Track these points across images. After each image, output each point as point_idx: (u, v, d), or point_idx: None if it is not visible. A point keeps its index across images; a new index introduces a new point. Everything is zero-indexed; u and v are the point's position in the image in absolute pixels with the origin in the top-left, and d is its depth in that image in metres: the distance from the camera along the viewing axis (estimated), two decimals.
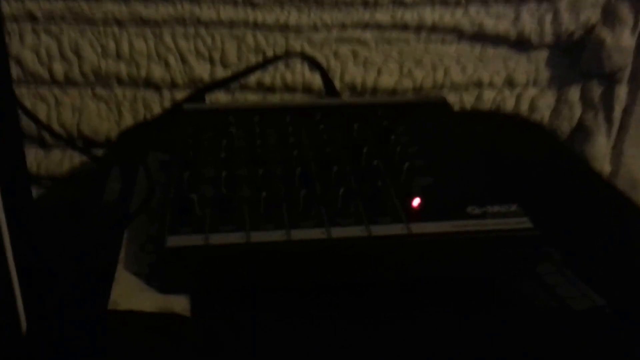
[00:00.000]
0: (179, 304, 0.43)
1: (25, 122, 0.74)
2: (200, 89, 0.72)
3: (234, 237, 0.44)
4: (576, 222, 0.55)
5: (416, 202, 0.48)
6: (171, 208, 0.47)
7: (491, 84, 0.78)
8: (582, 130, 0.78)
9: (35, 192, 0.80)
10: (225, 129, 0.56)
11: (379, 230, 0.45)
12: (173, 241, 0.44)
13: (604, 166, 0.79)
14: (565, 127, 0.79)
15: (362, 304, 0.45)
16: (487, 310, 0.45)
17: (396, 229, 0.45)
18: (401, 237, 0.45)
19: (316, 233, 0.45)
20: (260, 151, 0.53)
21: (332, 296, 0.45)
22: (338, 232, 0.45)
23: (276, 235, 0.44)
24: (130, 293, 0.44)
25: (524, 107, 0.79)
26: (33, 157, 0.79)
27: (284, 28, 0.74)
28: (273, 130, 0.57)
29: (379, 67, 0.77)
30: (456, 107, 0.78)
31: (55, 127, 0.78)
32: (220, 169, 0.50)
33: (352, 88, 0.77)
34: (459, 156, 0.55)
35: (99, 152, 0.77)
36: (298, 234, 0.45)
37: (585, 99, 0.78)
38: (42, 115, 0.77)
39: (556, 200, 0.57)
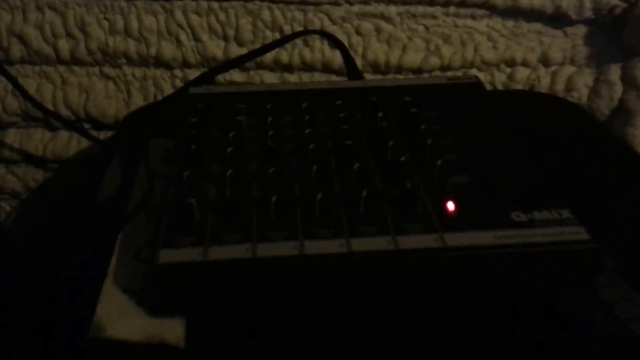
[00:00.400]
0: (172, 331, 0.35)
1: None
2: (212, 69, 0.63)
3: (238, 251, 0.35)
4: (628, 220, 0.45)
5: (451, 206, 0.38)
6: (167, 214, 0.38)
7: (525, 62, 0.69)
8: (622, 112, 0.68)
9: (41, 176, 0.72)
10: (234, 117, 0.47)
11: (408, 242, 0.36)
12: (167, 256, 0.35)
13: None
14: (604, 108, 0.69)
15: (384, 323, 0.36)
16: (532, 335, 0.36)
17: (428, 240, 0.36)
18: (434, 252, 0.35)
19: (334, 246, 0.36)
20: (272, 144, 0.43)
21: (352, 322, 0.36)
22: (359, 244, 0.36)
23: (287, 249, 0.35)
24: (116, 316, 0.35)
25: (560, 87, 0.69)
26: (39, 139, 0.71)
27: (303, 2, 0.65)
28: (287, 117, 0.48)
29: (404, 44, 0.68)
30: (487, 87, 0.68)
31: (62, 108, 0.69)
32: (226, 165, 0.41)
33: (375, 66, 0.68)
34: (496, 148, 0.45)
35: (106, 135, 0.68)
36: (312, 247, 0.35)
37: (626, 78, 0.68)
38: (47, 95, 0.69)
39: (602, 194, 0.48)
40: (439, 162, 0.40)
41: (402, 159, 0.42)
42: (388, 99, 0.49)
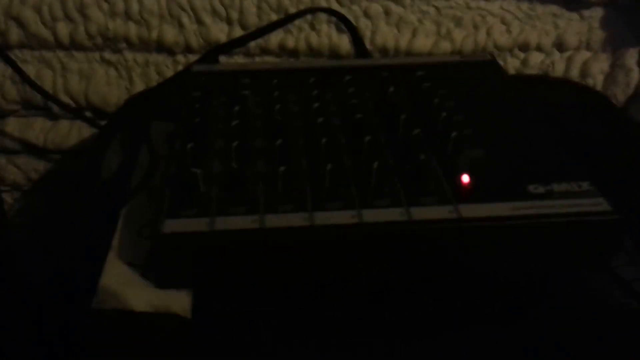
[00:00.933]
0: (178, 302, 0.35)
1: (30, 90, 0.66)
2: (214, 49, 0.63)
3: (245, 222, 0.35)
4: None
5: (466, 179, 0.38)
6: (171, 186, 0.38)
7: (539, 47, 0.69)
8: (639, 99, 0.68)
9: (42, 166, 0.72)
10: (239, 91, 0.47)
11: (421, 213, 0.36)
12: (171, 226, 0.35)
13: None
14: (620, 94, 0.69)
15: (393, 297, 0.36)
16: (551, 311, 0.36)
17: (442, 212, 0.36)
18: (448, 222, 0.35)
19: (345, 217, 0.36)
20: (278, 118, 0.43)
21: (363, 294, 0.36)
22: (371, 215, 0.36)
23: (296, 220, 0.35)
24: (121, 288, 0.35)
25: (575, 73, 0.69)
26: (39, 128, 0.71)
27: None
28: (294, 93, 0.48)
29: (413, 28, 0.67)
30: None
31: (62, 95, 0.69)
32: (231, 139, 0.41)
33: (384, 51, 0.68)
34: (513, 124, 0.45)
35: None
36: (323, 218, 0.35)
37: None
38: (47, 82, 0.69)
39: (621, 177, 0.48)
40: (453, 134, 0.40)
41: (415, 131, 0.41)
42: (400, 75, 0.49)
